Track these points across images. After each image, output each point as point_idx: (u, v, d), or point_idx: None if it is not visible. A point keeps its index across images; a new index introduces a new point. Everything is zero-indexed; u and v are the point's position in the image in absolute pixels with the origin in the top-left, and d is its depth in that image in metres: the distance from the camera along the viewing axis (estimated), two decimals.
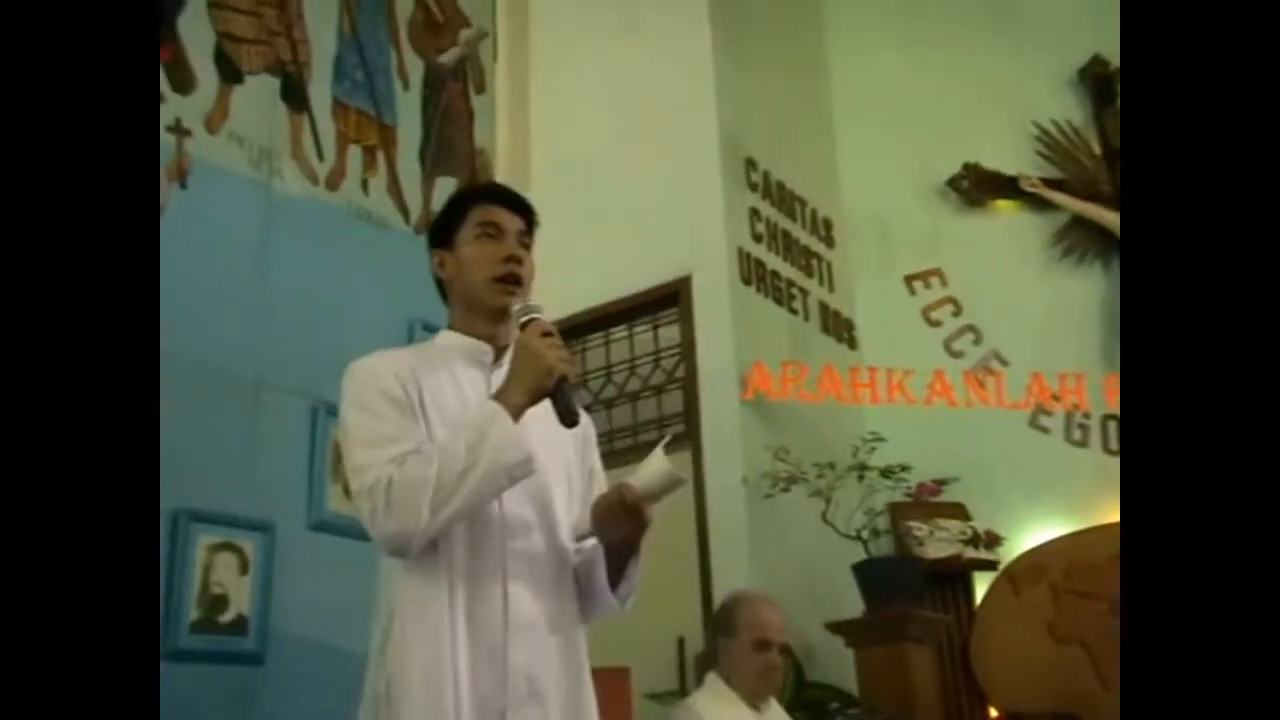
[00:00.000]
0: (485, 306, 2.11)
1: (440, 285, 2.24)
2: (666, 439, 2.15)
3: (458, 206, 2.23)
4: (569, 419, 1.96)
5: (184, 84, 3.88)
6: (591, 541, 2.10)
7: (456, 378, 2.06)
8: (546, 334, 1.95)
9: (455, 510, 1.84)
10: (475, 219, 2.15)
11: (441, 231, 2.22)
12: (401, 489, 1.82)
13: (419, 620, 1.89)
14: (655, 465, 1.99)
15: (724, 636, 3.39)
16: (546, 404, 1.95)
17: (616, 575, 2.08)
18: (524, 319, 2.01)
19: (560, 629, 2.00)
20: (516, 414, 1.89)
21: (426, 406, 1.99)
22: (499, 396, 1.91)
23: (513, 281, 2.09)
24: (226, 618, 3.47)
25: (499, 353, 2.11)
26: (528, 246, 2.17)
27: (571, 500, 2.12)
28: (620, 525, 2.00)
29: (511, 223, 2.15)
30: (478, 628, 1.89)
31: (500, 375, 2.01)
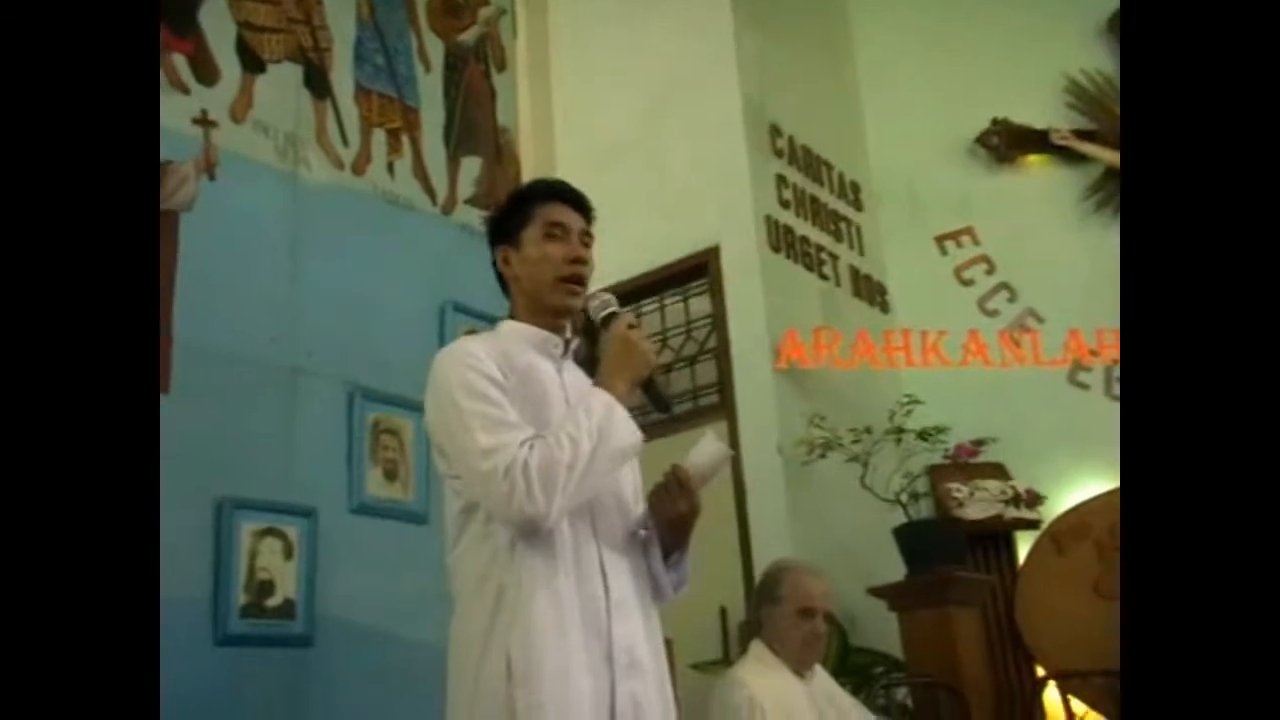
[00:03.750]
0: (549, 305, 2.19)
1: (501, 278, 2.29)
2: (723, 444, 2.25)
3: (523, 204, 2.27)
4: (663, 406, 2.15)
5: (207, 76, 3.91)
6: (646, 533, 2.17)
7: (535, 366, 2.12)
8: (632, 326, 2.09)
9: (583, 492, 1.94)
10: (541, 218, 2.20)
11: (505, 228, 2.26)
12: (540, 471, 1.89)
13: (541, 596, 1.93)
14: (705, 444, 2.16)
15: (768, 605, 3.41)
16: None
17: (668, 567, 2.18)
18: (605, 312, 2.14)
19: (644, 605, 2.08)
20: (621, 402, 2.01)
21: (523, 391, 2.06)
22: (602, 385, 2.03)
23: (578, 282, 2.17)
24: (274, 602, 3.53)
25: (565, 345, 2.20)
26: (589, 245, 2.24)
27: (635, 485, 2.21)
28: (675, 503, 2.11)
29: (575, 221, 2.22)
30: (585, 604, 1.96)
31: (568, 367, 2.17)
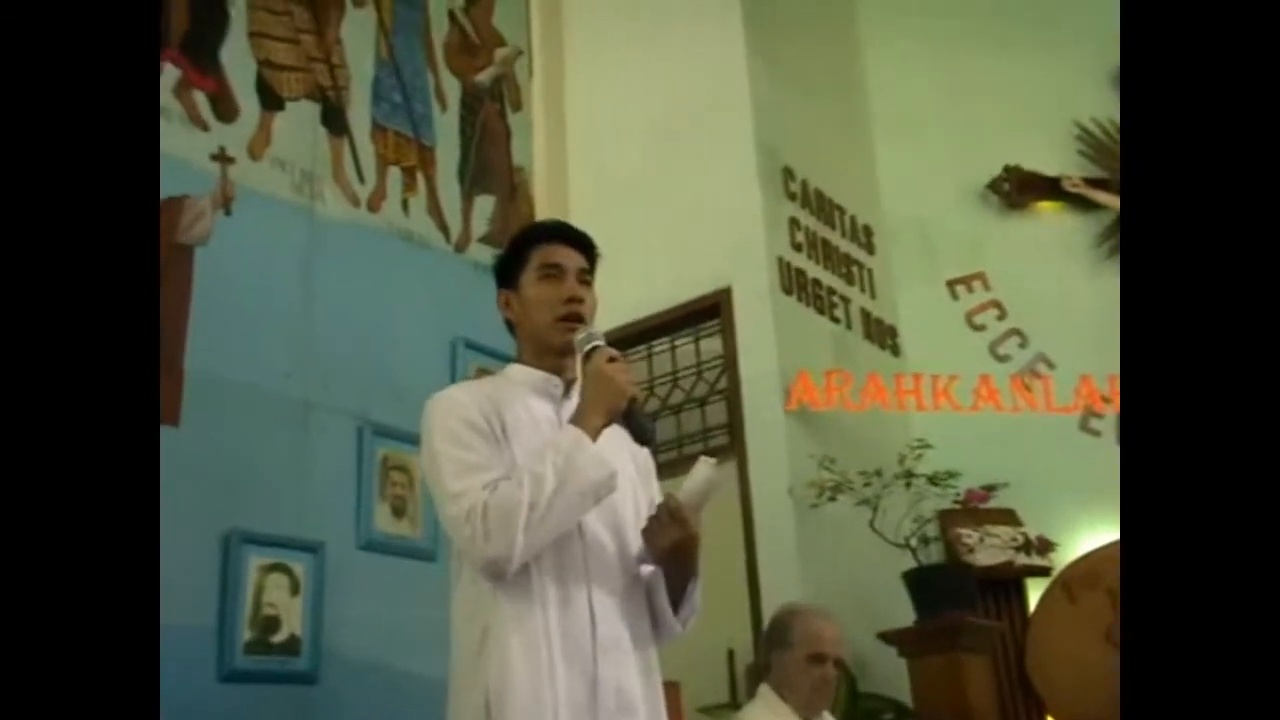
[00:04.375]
0: (550, 345, 2.21)
1: (508, 323, 2.32)
2: (713, 461, 2.22)
3: (520, 248, 2.31)
4: (642, 436, 2.11)
5: (227, 113, 3.95)
6: (650, 568, 2.17)
7: (531, 409, 2.14)
8: (612, 359, 2.08)
9: (548, 530, 1.94)
10: (536, 261, 2.23)
11: (506, 272, 2.30)
12: (497, 513, 1.90)
13: (516, 637, 1.94)
14: (698, 471, 2.13)
15: (777, 649, 3.39)
16: (610, 435, 2.05)
17: (676, 599, 2.17)
18: (588, 347, 2.13)
19: (639, 645, 2.08)
20: (594, 436, 1.99)
21: (509, 436, 2.07)
22: (577, 421, 2.02)
23: (575, 320, 2.18)
24: (279, 638, 3.51)
25: (567, 386, 2.21)
26: (588, 283, 2.26)
27: (638, 525, 2.18)
28: (667, 532, 2.08)
29: (572, 260, 2.23)
30: (570, 644, 1.96)
31: (569, 406, 2.13)
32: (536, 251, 2.24)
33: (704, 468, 2.14)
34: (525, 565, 1.96)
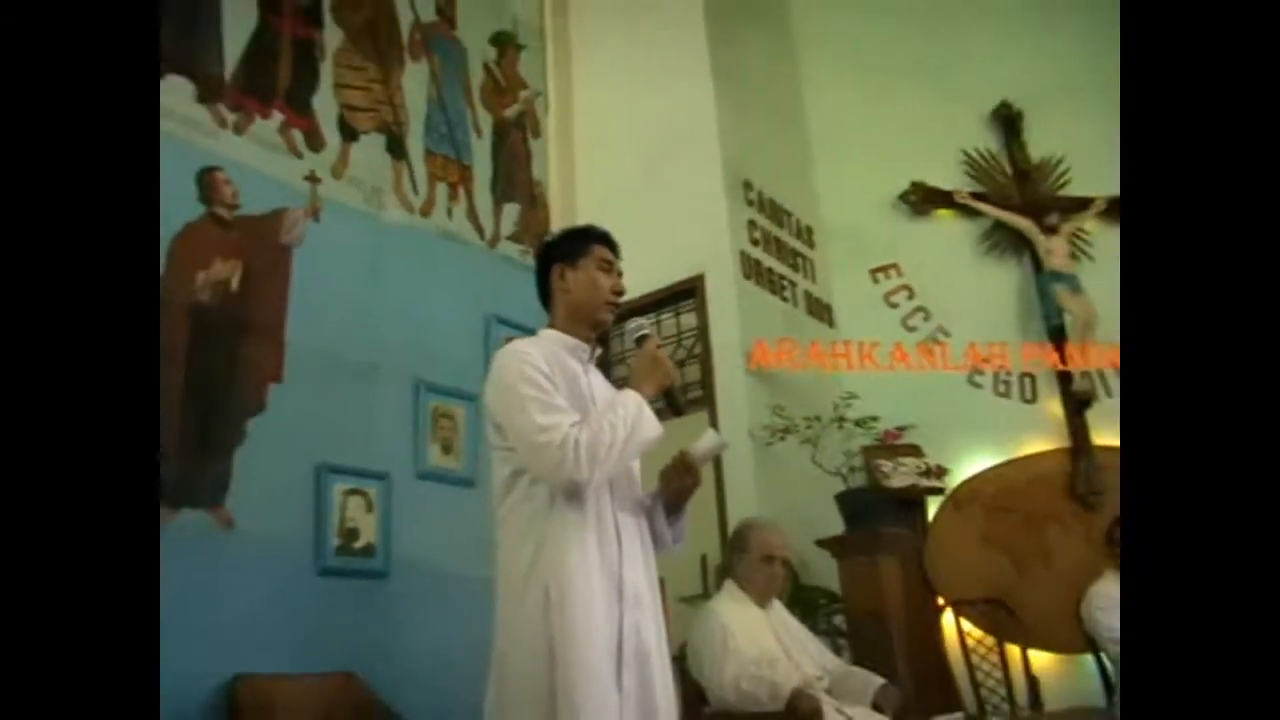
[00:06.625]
0: (592, 319, 2.22)
1: (545, 289, 2.29)
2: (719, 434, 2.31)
3: (584, 238, 2.29)
4: (678, 409, 2.24)
5: (316, 145, 3.97)
6: (649, 500, 2.22)
7: (566, 367, 2.14)
8: (659, 346, 2.17)
9: (614, 467, 1.98)
10: (598, 254, 2.24)
11: (569, 252, 2.26)
12: (588, 447, 1.92)
13: (572, 546, 1.96)
14: (707, 437, 2.23)
15: (738, 553, 3.44)
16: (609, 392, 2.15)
17: (670, 524, 2.24)
18: (639, 334, 2.21)
19: (646, 555, 2.12)
20: (647, 402, 2.07)
21: (560, 386, 2.07)
22: (636, 389, 2.07)
23: (616, 306, 2.23)
24: (359, 544, 3.56)
25: (590, 352, 2.22)
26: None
27: (639, 466, 2.24)
28: (681, 479, 2.19)
29: (616, 264, 2.26)
30: (603, 553, 1.99)
31: (593, 371, 2.20)
32: (597, 247, 2.25)
33: (713, 435, 2.24)
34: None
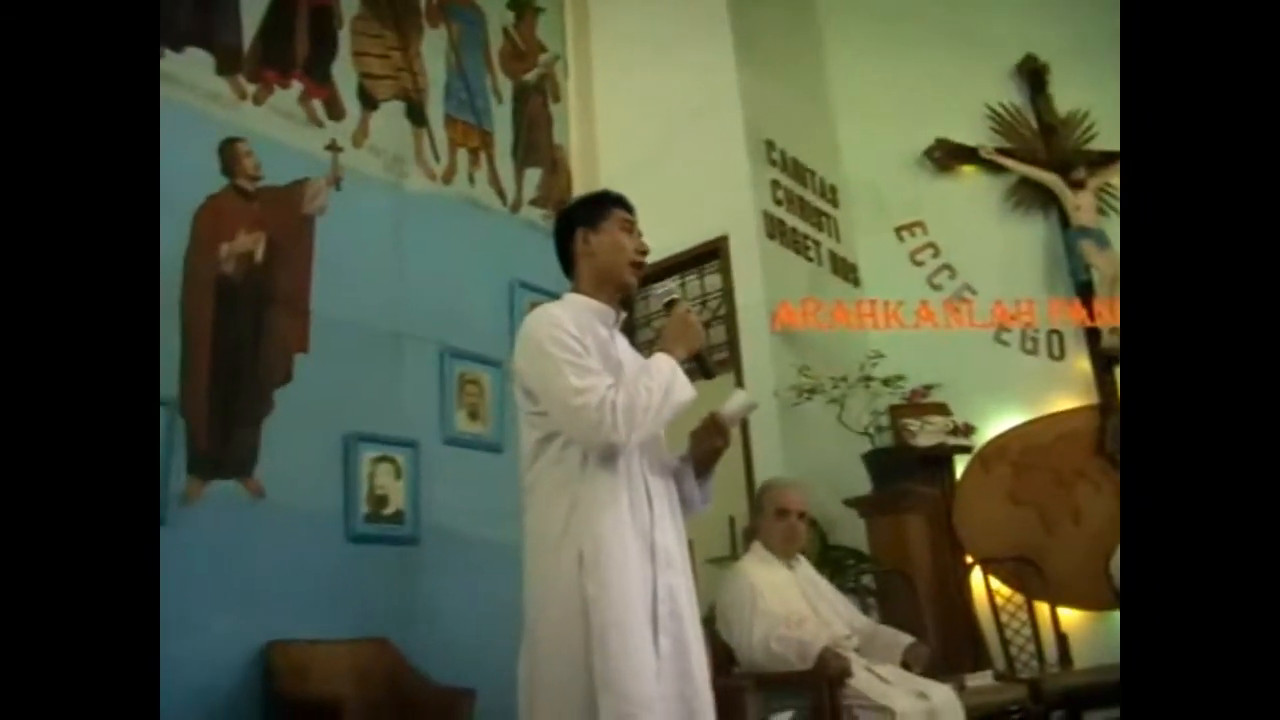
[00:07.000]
0: (618, 281, 2.18)
1: (567, 256, 2.25)
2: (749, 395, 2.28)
3: (605, 203, 2.26)
4: (708, 372, 2.19)
5: (336, 114, 3.97)
6: (677, 463, 2.20)
7: (594, 330, 2.10)
8: (689, 311, 2.14)
9: (649, 429, 1.95)
10: (619, 216, 2.21)
11: (590, 216, 2.23)
12: (625, 409, 1.89)
13: (606, 509, 1.94)
14: (736, 397, 2.19)
15: (757, 513, 3.47)
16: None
17: (699, 486, 2.22)
18: (668, 299, 2.19)
19: (675, 517, 2.10)
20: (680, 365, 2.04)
21: (590, 350, 2.04)
22: (667, 353, 2.04)
23: (640, 267, 2.19)
24: (388, 511, 3.59)
25: (616, 317, 2.19)
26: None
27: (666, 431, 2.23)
28: (712, 439, 2.16)
29: (637, 227, 2.23)
30: (635, 515, 1.98)
31: (617, 333, 2.16)
32: (617, 210, 2.22)
33: (742, 396, 2.21)
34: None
